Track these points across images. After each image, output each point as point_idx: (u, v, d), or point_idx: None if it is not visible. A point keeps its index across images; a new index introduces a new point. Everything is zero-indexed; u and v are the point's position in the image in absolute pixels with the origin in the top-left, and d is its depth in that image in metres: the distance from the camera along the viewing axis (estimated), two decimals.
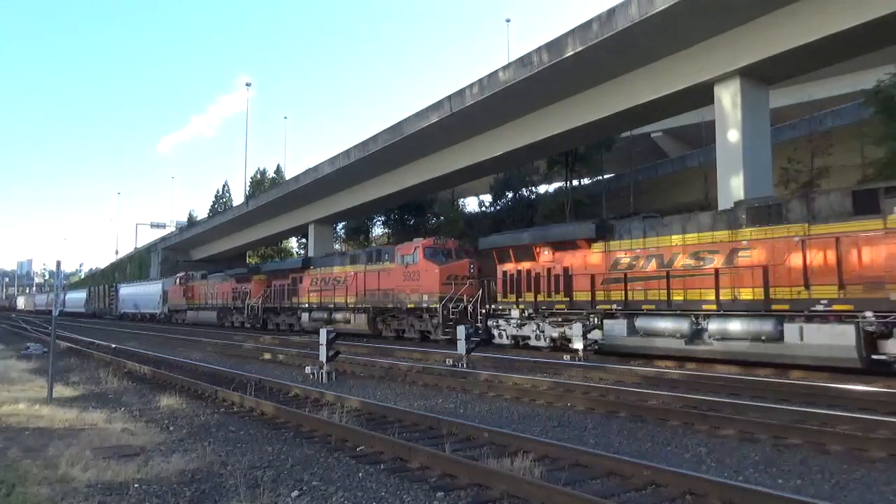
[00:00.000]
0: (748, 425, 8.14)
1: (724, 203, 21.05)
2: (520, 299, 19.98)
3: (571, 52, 23.18)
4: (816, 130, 31.66)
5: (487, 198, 53.00)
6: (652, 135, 46.99)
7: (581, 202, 40.77)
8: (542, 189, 49.78)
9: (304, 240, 62.18)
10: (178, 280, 48.66)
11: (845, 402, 9.97)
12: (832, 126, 32.14)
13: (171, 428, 8.73)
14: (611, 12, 21.57)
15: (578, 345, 16.44)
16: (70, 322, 53.76)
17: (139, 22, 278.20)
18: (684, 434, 8.12)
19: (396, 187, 39.67)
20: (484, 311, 21.19)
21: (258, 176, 79.07)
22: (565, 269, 18.64)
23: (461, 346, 15.94)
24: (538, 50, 24.76)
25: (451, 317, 21.97)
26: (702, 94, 23.20)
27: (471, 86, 28.52)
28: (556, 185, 48.09)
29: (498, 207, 49.81)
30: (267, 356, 19.49)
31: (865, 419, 8.25)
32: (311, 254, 48.11)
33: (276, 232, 58.04)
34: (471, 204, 64.15)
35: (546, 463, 6.45)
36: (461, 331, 16.26)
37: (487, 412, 9.91)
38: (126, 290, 62.84)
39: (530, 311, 19.64)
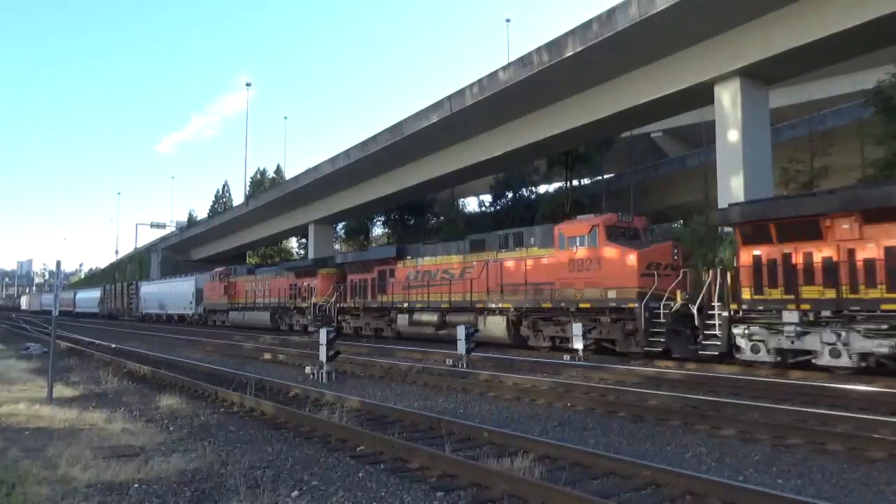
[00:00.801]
0: (748, 425, 8.14)
1: (723, 203, 21.08)
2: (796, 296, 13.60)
3: (571, 52, 23.20)
4: (816, 130, 31.61)
5: (487, 198, 53.01)
6: (652, 135, 46.99)
7: (581, 202, 40.76)
8: (542, 189, 49.81)
9: (304, 240, 62.16)
10: (216, 276, 42.47)
11: (845, 402, 9.97)
12: (832, 126, 32.12)
13: (171, 428, 8.72)
14: (611, 12, 21.59)
15: (578, 344, 16.44)
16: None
17: (139, 21, 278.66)
18: (684, 434, 8.12)
19: (396, 187, 39.68)
20: (720, 312, 14.74)
21: (258, 176, 79.14)
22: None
23: (461, 346, 15.93)
24: (538, 50, 24.77)
25: (658, 320, 16.07)
26: (702, 94, 23.22)
27: (471, 86, 28.53)
28: (556, 184, 48.09)
29: (498, 207, 49.82)
30: (267, 356, 19.49)
31: (865, 419, 8.25)
32: (310, 255, 48.02)
33: (277, 232, 58.07)
34: (471, 204, 64.20)
35: (546, 463, 6.45)
36: (461, 330, 16.25)
37: (487, 412, 9.91)
38: (149, 289, 56.63)
39: (820, 313, 13.36)
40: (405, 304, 24.85)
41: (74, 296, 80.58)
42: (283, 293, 33.98)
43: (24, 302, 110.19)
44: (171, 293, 50.40)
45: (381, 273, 26.63)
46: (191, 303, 46.29)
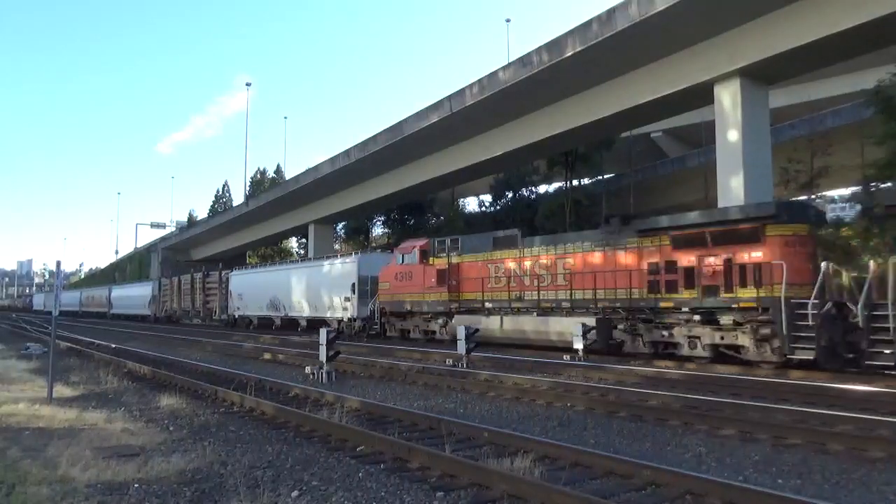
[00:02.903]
0: (748, 425, 8.14)
1: (723, 203, 21.07)
2: None
3: (571, 52, 23.19)
4: (816, 130, 31.69)
5: (487, 198, 53.06)
6: (652, 135, 46.99)
7: (581, 202, 40.80)
8: (542, 189, 49.84)
9: (304, 240, 62.19)
10: (411, 252, 24.09)
11: (845, 401, 9.97)
12: (832, 126, 32.16)
13: (172, 428, 8.72)
14: (611, 12, 21.58)
15: (578, 345, 16.44)
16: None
17: (139, 22, 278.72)
18: (684, 434, 8.12)
19: (396, 187, 39.68)
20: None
21: (258, 176, 79.22)
22: None
23: (461, 346, 15.93)
24: (538, 50, 24.77)
25: (805, 322, 12.96)
26: (702, 94, 23.21)
27: (471, 86, 28.53)
28: (556, 185, 48.12)
29: (498, 207, 49.85)
30: (267, 356, 19.49)
31: (865, 419, 8.25)
32: (310, 254, 47.90)
33: (276, 232, 58.07)
34: (471, 204, 64.23)
35: (546, 463, 6.45)
36: (461, 330, 16.25)
37: (487, 412, 9.91)
38: (247, 280, 38.76)
39: None
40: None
41: (109, 294, 65.40)
42: (628, 280, 16.82)
43: (38, 301, 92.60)
44: (300, 285, 32.45)
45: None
46: (348, 300, 27.92)
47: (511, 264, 20.40)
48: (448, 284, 22.04)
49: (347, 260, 29.41)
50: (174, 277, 51.29)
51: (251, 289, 37.79)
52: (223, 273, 42.60)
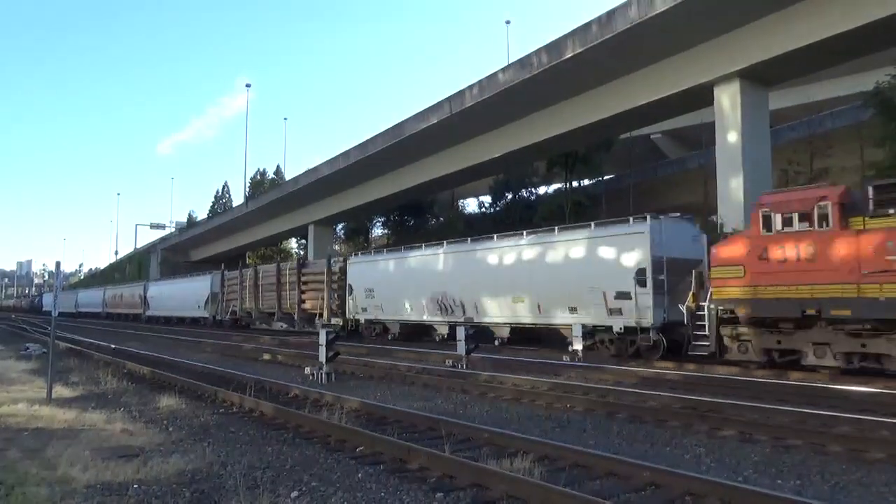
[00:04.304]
0: (747, 426, 8.14)
1: (723, 206, 21.09)
2: None
3: (571, 54, 23.24)
4: (816, 132, 31.67)
5: (487, 199, 53.07)
6: (652, 136, 47.04)
7: (580, 203, 40.80)
8: (541, 190, 49.85)
9: (303, 241, 62.20)
10: (781, 215, 13.08)
11: (845, 403, 9.97)
12: (832, 127, 32.16)
13: (171, 428, 8.72)
14: (610, 14, 21.62)
15: (578, 345, 16.43)
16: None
17: (139, 23, 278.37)
18: (683, 435, 8.12)
19: (396, 188, 39.71)
20: None
21: (258, 177, 79.14)
22: None
23: (461, 347, 15.93)
24: (538, 51, 24.81)
25: None
26: (701, 96, 23.25)
27: (471, 87, 28.57)
28: (555, 186, 48.14)
29: (497, 208, 49.87)
30: (266, 357, 19.48)
31: (865, 420, 8.25)
32: (310, 256, 47.62)
33: (276, 233, 58.11)
34: (471, 205, 64.26)
35: (546, 463, 6.45)
36: (460, 331, 16.24)
37: (487, 413, 9.90)
38: (383, 268, 26.64)
39: None
40: None
41: (144, 291, 53.55)
42: None
43: (48, 301, 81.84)
44: (509, 273, 20.73)
45: None
46: (625, 297, 17.05)
47: None
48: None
49: (627, 229, 17.59)
50: (245, 269, 38.23)
51: (391, 279, 25.62)
52: (337, 260, 30.03)
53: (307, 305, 30.79)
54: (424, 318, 23.97)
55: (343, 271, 28.52)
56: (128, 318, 56.14)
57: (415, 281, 24.32)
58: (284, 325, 34.78)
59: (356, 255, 30.08)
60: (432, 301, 23.37)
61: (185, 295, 44.91)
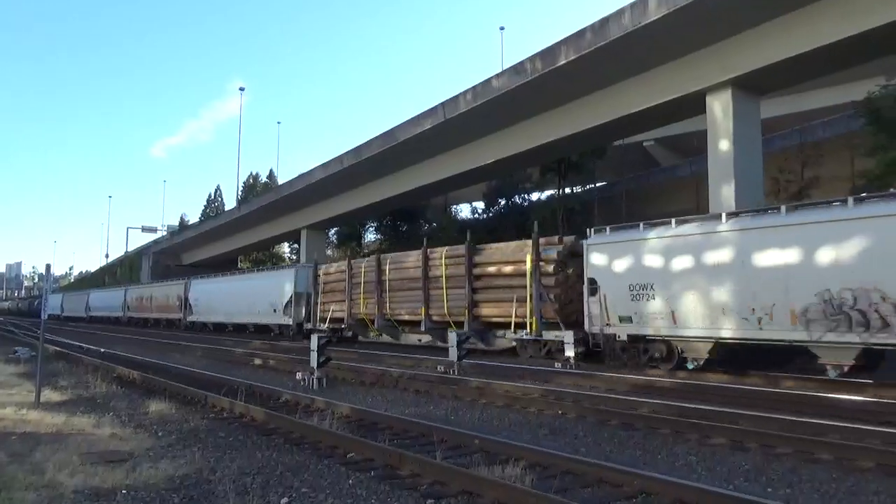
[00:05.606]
0: (739, 434, 8.16)
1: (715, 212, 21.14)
2: None
3: (565, 61, 23.29)
4: (807, 141, 31.87)
5: (480, 205, 53.08)
6: (644, 143, 47.17)
7: (573, 210, 40.90)
8: (534, 196, 49.92)
9: (296, 245, 62.04)
10: None
11: (836, 411, 10.00)
12: (823, 136, 32.36)
13: (160, 433, 8.66)
14: (604, 21, 21.70)
15: (570, 352, 16.43)
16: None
17: (133, 25, 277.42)
18: (675, 442, 8.13)
19: (389, 193, 39.69)
20: None
21: (251, 181, 79.02)
22: None
23: (452, 353, 15.90)
24: (532, 58, 24.86)
25: None
26: (694, 104, 23.33)
27: (464, 93, 28.60)
28: (548, 192, 48.23)
29: (490, 214, 49.89)
30: (257, 362, 19.39)
31: (855, 429, 8.28)
32: (302, 260, 47.61)
33: (269, 237, 57.91)
34: (464, 210, 64.26)
35: (537, 470, 6.44)
36: (452, 337, 16.22)
37: (478, 419, 9.89)
38: (725, 244, 14.23)
39: None
40: None
41: (186, 291, 42.75)
42: None
43: (55, 304, 70.42)
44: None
45: None
46: None
47: None
48: None
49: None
50: (357, 261, 27.53)
51: (701, 269, 14.75)
52: (554, 243, 19.68)
53: (487, 311, 20.93)
54: (801, 335, 12.93)
55: (568, 259, 18.91)
56: (159, 324, 46.95)
57: (770, 273, 13.43)
58: (421, 338, 23.70)
59: (602, 232, 17.67)
60: (820, 305, 12.63)
61: (254, 295, 33.85)
